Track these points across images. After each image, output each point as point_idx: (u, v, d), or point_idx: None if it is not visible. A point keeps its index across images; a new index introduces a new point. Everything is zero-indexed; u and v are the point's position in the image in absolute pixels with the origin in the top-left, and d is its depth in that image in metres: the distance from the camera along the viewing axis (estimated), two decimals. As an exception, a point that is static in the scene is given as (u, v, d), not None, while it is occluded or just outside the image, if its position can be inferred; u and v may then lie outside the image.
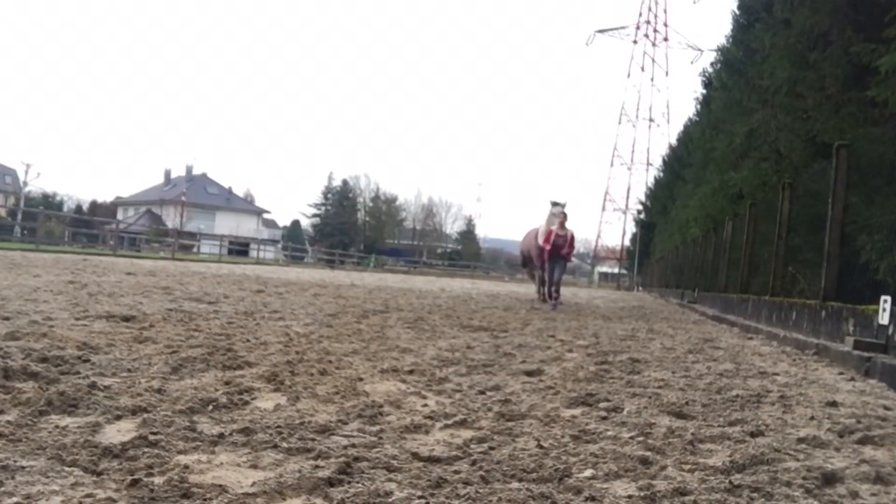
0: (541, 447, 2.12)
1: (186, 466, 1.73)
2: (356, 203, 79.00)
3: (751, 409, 3.00)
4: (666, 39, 70.41)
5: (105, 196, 77.60)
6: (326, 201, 77.64)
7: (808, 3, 8.24)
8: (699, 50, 63.03)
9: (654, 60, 71.27)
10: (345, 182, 78.42)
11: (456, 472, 1.83)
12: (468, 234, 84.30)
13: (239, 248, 44.72)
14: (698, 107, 24.64)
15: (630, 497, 1.72)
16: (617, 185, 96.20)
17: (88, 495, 1.50)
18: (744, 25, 14.26)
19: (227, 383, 2.77)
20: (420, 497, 1.61)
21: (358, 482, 1.70)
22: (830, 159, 6.71)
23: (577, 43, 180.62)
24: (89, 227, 42.74)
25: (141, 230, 50.14)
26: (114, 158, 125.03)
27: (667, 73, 71.07)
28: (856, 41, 7.14)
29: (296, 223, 79.12)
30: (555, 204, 11.84)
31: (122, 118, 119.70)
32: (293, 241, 61.41)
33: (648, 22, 70.78)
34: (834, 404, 3.21)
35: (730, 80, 14.93)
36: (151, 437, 1.92)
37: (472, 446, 2.10)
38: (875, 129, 6.70)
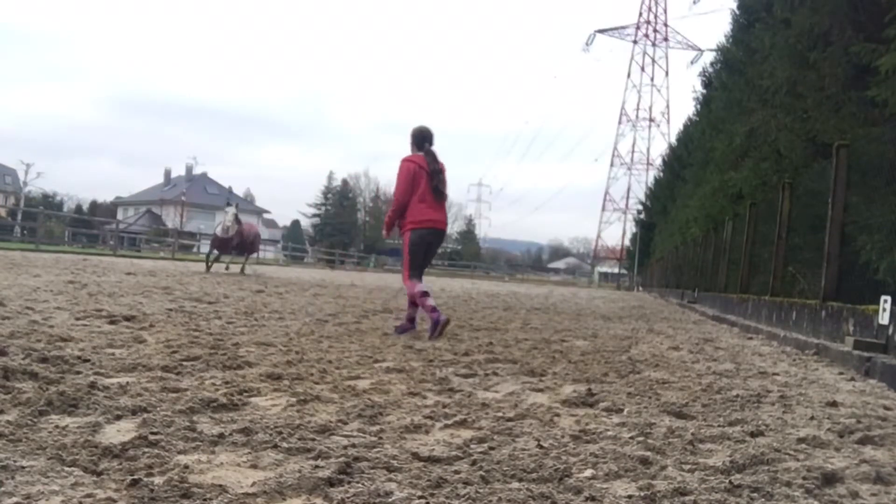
0: (541, 447, 2.12)
1: (186, 466, 1.73)
2: (356, 203, 79.02)
3: (751, 409, 3.00)
4: (666, 39, 70.46)
5: (105, 196, 77.61)
6: (326, 201, 77.66)
7: (808, 3, 8.24)
8: (699, 50, 63.01)
9: (654, 60, 71.33)
10: (345, 182, 78.47)
11: (456, 472, 1.83)
12: (468, 234, 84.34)
13: (239, 248, 44.64)
14: (698, 107, 24.64)
15: (630, 497, 1.72)
16: (617, 186, 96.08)
17: (88, 495, 1.50)
18: (744, 25, 14.26)
19: (227, 383, 2.77)
20: (420, 497, 1.61)
21: (358, 482, 1.70)
22: (830, 159, 6.71)
23: (577, 42, 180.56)
24: (89, 227, 42.74)
25: (141, 230, 50.14)
26: (114, 158, 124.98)
27: (667, 73, 71.13)
28: (856, 41, 7.14)
29: (296, 223, 79.14)
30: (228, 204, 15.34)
31: (122, 118, 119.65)
32: (293, 241, 61.40)
33: (648, 22, 70.84)
34: (834, 404, 3.21)
35: (730, 80, 14.93)
36: (151, 437, 1.92)
37: (472, 446, 2.10)
38: (875, 129, 6.69)
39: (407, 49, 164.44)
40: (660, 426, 2.50)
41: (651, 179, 51.43)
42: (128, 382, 2.64)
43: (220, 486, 1.62)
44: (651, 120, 71.11)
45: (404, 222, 5.47)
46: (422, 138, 5.47)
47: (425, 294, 5.39)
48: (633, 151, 70.89)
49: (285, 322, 5.46)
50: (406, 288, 5.57)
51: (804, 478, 1.93)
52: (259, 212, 75.71)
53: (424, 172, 5.33)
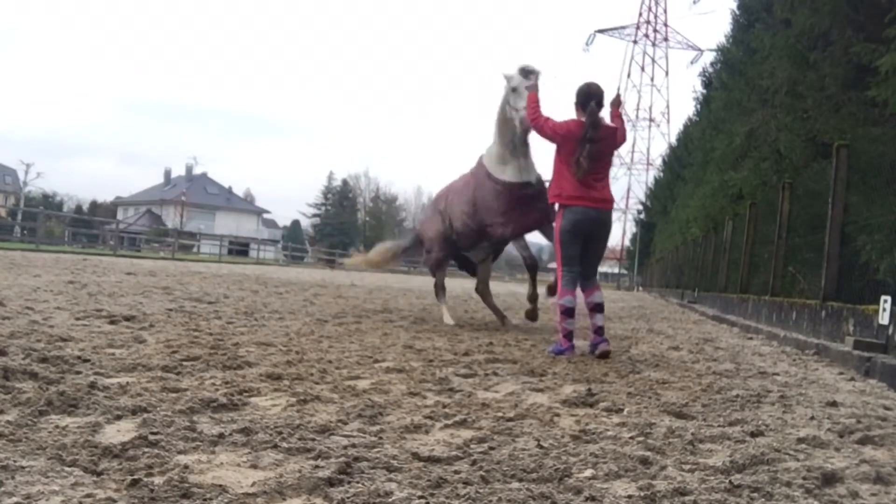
0: (541, 447, 2.12)
1: (186, 466, 1.73)
2: (356, 203, 79.06)
3: (751, 409, 3.00)
4: (666, 39, 70.49)
5: (105, 196, 77.64)
6: (326, 201, 77.71)
7: (808, 3, 8.24)
8: (699, 50, 62.99)
9: (654, 60, 71.35)
10: (345, 182, 78.51)
11: (456, 472, 1.83)
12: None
13: (239, 248, 44.74)
14: (698, 107, 24.68)
15: (630, 497, 1.72)
16: (617, 186, 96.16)
17: (88, 495, 1.50)
18: (744, 25, 14.28)
19: (227, 383, 2.76)
20: (420, 497, 1.61)
21: (358, 482, 1.70)
22: (830, 159, 6.72)
23: (577, 42, 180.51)
24: (89, 227, 42.73)
25: (141, 230, 50.16)
26: (114, 158, 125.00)
27: (667, 73, 71.18)
28: (856, 41, 7.14)
29: (296, 223, 79.19)
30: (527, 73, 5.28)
31: (122, 118, 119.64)
32: (293, 241, 61.40)
33: (648, 22, 70.85)
34: (834, 404, 3.21)
35: (730, 80, 14.95)
36: (151, 437, 1.91)
37: (472, 446, 2.09)
38: (875, 129, 6.70)
39: (407, 49, 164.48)
40: (660, 426, 2.50)
41: (651, 179, 51.47)
42: (128, 382, 2.64)
43: (220, 486, 1.61)
44: (651, 120, 71.15)
45: (552, 190, 4.59)
46: (585, 96, 4.49)
47: (568, 312, 4.43)
48: (632, 151, 70.88)
49: (285, 322, 5.46)
50: (557, 293, 4.58)
51: (804, 478, 1.93)
52: (259, 212, 75.73)
53: (573, 141, 4.42)
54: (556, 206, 4.63)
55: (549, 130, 4.56)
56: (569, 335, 4.44)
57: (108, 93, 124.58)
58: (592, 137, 4.39)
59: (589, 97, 4.48)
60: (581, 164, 4.38)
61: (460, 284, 22.66)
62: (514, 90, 5.35)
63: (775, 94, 9.63)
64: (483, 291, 6.79)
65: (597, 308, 4.61)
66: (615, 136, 4.58)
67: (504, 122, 5.58)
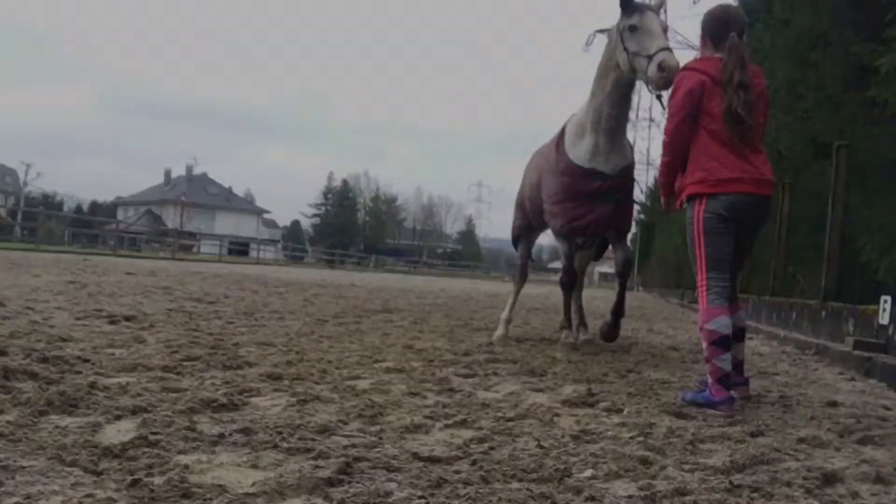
0: (541, 447, 2.12)
1: (186, 466, 1.73)
2: (356, 203, 79.11)
3: (751, 409, 3.00)
4: (666, 39, 70.37)
5: (105, 196, 77.61)
6: (326, 201, 77.75)
7: (808, 3, 8.25)
8: (699, 50, 62.86)
9: (654, 60, 71.21)
10: (345, 182, 78.59)
11: (456, 472, 1.83)
12: (468, 234, 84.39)
13: (239, 248, 44.77)
14: (698, 107, 24.60)
15: (630, 497, 1.72)
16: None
17: (88, 495, 1.50)
18: (744, 25, 14.26)
19: (227, 383, 2.77)
20: (420, 497, 1.61)
21: (358, 482, 1.70)
22: (830, 159, 6.72)
23: (577, 43, 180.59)
24: (89, 227, 42.75)
25: (141, 230, 50.16)
26: (114, 158, 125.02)
27: (667, 73, 71.04)
28: (856, 41, 7.14)
29: (296, 223, 79.23)
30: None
31: (122, 118, 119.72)
32: (293, 241, 61.41)
33: (648, 22, 70.76)
34: (834, 404, 3.21)
35: (730, 80, 14.94)
36: (151, 437, 1.92)
37: (472, 446, 2.10)
38: (875, 129, 6.70)
39: (407, 49, 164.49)
40: (660, 426, 2.50)
41: (651, 179, 51.40)
42: (128, 382, 2.64)
43: (220, 486, 1.62)
44: (651, 120, 70.99)
45: (689, 176, 3.02)
46: (722, 24, 3.03)
47: (721, 343, 2.86)
48: (632, 151, 70.75)
49: (285, 322, 5.46)
50: (699, 313, 3.01)
51: (804, 478, 1.93)
52: (259, 212, 75.73)
53: (718, 89, 2.91)
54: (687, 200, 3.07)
55: (673, 128, 3.02)
56: (723, 378, 2.87)
57: (107, 93, 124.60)
58: (743, 81, 2.87)
59: (727, 25, 3.01)
60: (740, 117, 2.86)
61: (460, 285, 22.65)
62: (630, 29, 3.84)
63: (775, 94, 9.63)
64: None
65: (737, 335, 3.12)
66: (763, 85, 3.09)
67: (602, 75, 4.14)
